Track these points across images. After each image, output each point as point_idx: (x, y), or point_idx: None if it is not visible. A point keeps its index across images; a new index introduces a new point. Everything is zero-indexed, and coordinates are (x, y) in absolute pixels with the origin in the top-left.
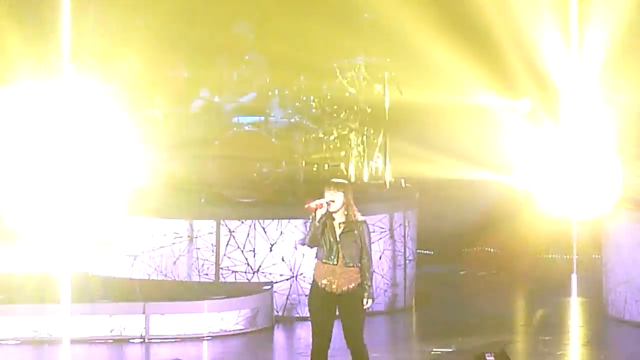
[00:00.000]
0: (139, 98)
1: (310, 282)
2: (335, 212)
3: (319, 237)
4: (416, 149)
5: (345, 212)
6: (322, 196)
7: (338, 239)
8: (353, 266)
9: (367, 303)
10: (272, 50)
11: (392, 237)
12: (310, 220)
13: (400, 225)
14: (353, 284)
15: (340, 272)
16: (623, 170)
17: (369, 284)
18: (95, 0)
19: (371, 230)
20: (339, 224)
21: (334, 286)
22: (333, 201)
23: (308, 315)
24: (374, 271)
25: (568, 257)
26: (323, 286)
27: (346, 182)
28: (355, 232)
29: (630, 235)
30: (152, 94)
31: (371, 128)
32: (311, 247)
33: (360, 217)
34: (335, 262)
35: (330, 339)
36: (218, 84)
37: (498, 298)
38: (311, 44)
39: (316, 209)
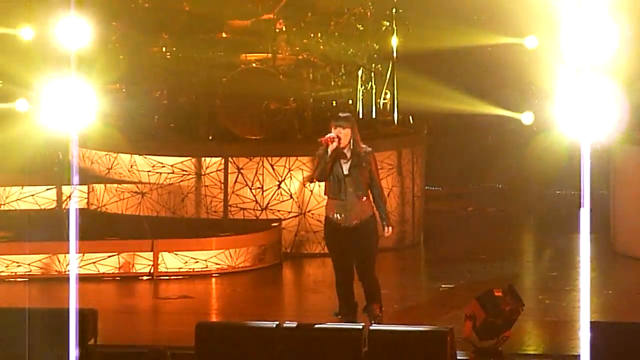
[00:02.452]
0: (146, 35)
1: (320, 219)
2: (342, 148)
3: (328, 172)
4: (425, 84)
5: (352, 147)
6: (328, 132)
7: (346, 173)
8: (363, 198)
9: (387, 230)
10: None
11: (400, 173)
12: (318, 157)
13: (409, 161)
14: (365, 216)
15: (351, 205)
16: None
17: (384, 211)
18: None
19: (379, 167)
20: (347, 158)
21: (346, 220)
22: (340, 137)
23: (316, 252)
24: (385, 201)
25: (575, 193)
26: (335, 221)
27: (351, 116)
28: (364, 164)
29: (638, 170)
30: (159, 30)
31: (379, 65)
32: (320, 182)
33: (367, 148)
34: (344, 197)
35: (353, 271)
36: (224, 21)
37: (506, 234)
38: None
39: (329, 143)
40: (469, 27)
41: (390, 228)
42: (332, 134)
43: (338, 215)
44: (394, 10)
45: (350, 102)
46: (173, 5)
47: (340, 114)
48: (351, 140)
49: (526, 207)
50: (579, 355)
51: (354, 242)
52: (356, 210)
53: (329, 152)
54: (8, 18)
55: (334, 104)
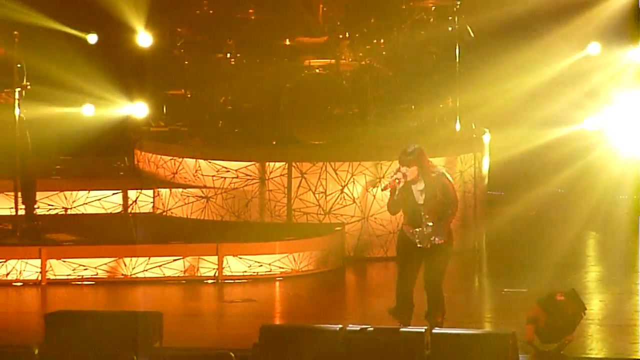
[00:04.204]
0: (211, 42)
1: (382, 224)
2: (412, 181)
3: (401, 204)
4: (487, 91)
5: (423, 176)
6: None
7: (420, 202)
8: (438, 224)
9: (435, 240)
10: None
11: (461, 178)
12: (391, 190)
13: (470, 166)
14: (438, 239)
15: (427, 231)
16: None
17: (443, 226)
18: None
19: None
20: (419, 189)
21: (421, 242)
22: (406, 176)
23: (378, 255)
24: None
25: (636, 197)
26: (411, 239)
27: (417, 150)
28: (436, 190)
29: None
30: (224, 37)
31: (441, 70)
32: (394, 214)
33: (438, 171)
34: (420, 225)
35: (414, 284)
36: (289, 27)
37: (567, 238)
38: None
39: (395, 186)
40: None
41: (439, 240)
42: (398, 175)
43: (413, 237)
44: (456, 18)
45: (413, 107)
46: (238, 13)
47: (407, 150)
48: (420, 172)
49: (588, 211)
50: None
51: (425, 259)
52: (431, 234)
53: (397, 193)
54: (77, 23)
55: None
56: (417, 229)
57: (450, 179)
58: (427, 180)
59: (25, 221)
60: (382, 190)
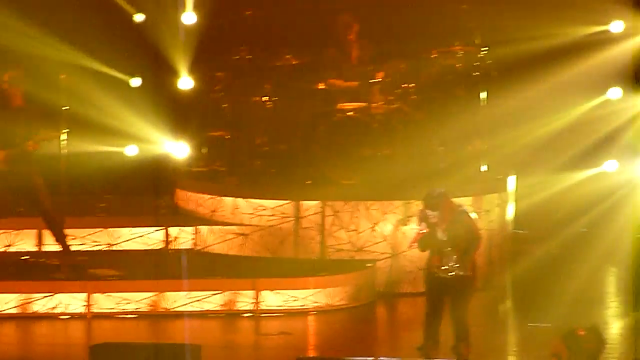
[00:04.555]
0: (249, 85)
1: (412, 260)
2: (438, 222)
3: (429, 243)
4: (510, 134)
5: (447, 217)
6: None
7: (444, 239)
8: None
9: (455, 274)
10: (375, 39)
11: (487, 217)
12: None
13: (497, 205)
14: (463, 273)
15: (452, 267)
16: None
17: (466, 259)
18: None
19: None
20: (443, 228)
21: (445, 277)
22: (427, 228)
23: (408, 291)
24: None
25: None
26: (435, 273)
27: (440, 195)
28: (460, 229)
29: None
30: (261, 81)
31: (468, 113)
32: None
33: (461, 210)
34: (444, 260)
35: (442, 319)
36: (323, 72)
37: (589, 276)
38: (410, 32)
39: (420, 236)
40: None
41: (461, 272)
42: (421, 229)
43: (438, 271)
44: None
45: (441, 148)
46: (274, 59)
47: (432, 194)
48: (444, 214)
49: (608, 249)
50: None
51: (450, 292)
52: (456, 269)
53: (424, 242)
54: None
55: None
56: (443, 265)
57: (472, 216)
58: (451, 219)
59: (64, 256)
60: (408, 247)
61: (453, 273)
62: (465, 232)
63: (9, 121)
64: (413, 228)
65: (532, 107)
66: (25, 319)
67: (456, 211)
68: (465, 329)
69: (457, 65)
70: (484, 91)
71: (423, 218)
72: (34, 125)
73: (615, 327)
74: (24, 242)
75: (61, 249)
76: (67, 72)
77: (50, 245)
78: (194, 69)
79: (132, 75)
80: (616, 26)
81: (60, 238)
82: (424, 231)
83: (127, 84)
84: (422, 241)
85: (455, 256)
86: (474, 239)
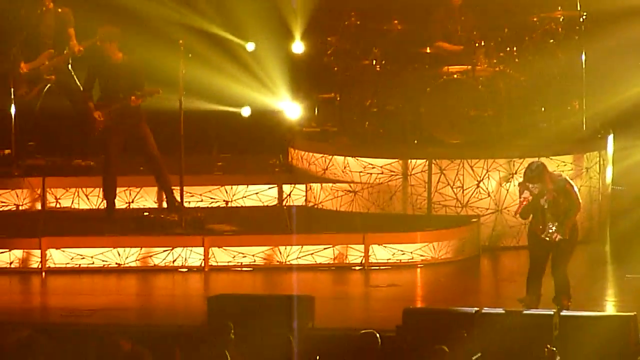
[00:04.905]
0: (358, 50)
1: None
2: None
3: (530, 210)
4: (611, 96)
5: (546, 186)
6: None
7: (545, 207)
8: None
9: (555, 237)
10: (480, 4)
11: (588, 174)
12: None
13: (596, 163)
14: (563, 236)
15: (552, 231)
16: None
17: (564, 224)
18: None
19: (569, 168)
20: (544, 198)
21: (547, 238)
22: (532, 196)
23: (511, 245)
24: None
25: None
26: (539, 234)
27: (539, 168)
28: (560, 197)
29: None
30: (370, 46)
31: (568, 75)
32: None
33: (560, 179)
34: (545, 226)
35: (544, 269)
36: (429, 37)
37: None
38: None
39: (524, 204)
40: None
41: (559, 236)
42: (525, 195)
43: (541, 234)
44: (582, 27)
45: (543, 109)
46: (383, 24)
47: (531, 167)
48: (544, 186)
49: None
50: None
51: (552, 250)
52: (556, 232)
53: (525, 209)
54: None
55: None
56: (544, 228)
57: (572, 183)
58: (552, 189)
59: (183, 212)
60: (513, 215)
61: (554, 237)
62: (565, 199)
63: (111, 76)
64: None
65: (629, 69)
66: (145, 271)
67: (555, 180)
68: (566, 283)
69: (559, 29)
70: (583, 54)
71: (525, 189)
72: (137, 79)
73: None
74: (144, 199)
75: (167, 200)
76: (185, 36)
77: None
78: (307, 35)
79: (247, 40)
80: None
81: (168, 189)
82: (526, 201)
83: (244, 48)
84: (525, 209)
85: (556, 222)
86: (573, 206)
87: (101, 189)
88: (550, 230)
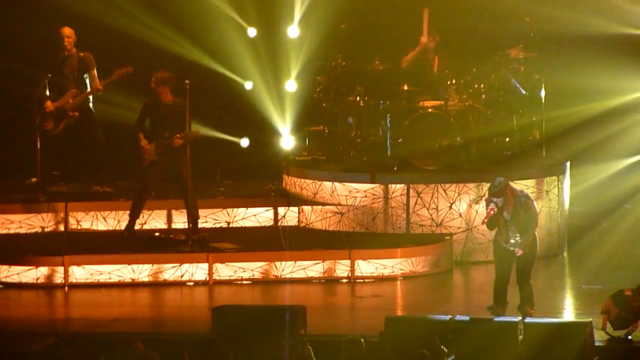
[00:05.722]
0: (344, 87)
1: (483, 233)
2: (502, 206)
3: (495, 223)
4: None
5: (509, 201)
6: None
7: (508, 219)
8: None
9: (517, 251)
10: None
11: (547, 196)
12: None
13: (555, 187)
14: (524, 248)
15: (515, 242)
16: None
17: (524, 238)
18: None
19: (531, 191)
20: (508, 211)
21: (511, 249)
22: (497, 207)
23: (480, 260)
24: (529, 233)
25: None
26: (502, 246)
27: (501, 184)
28: (521, 210)
29: None
30: (354, 83)
31: (530, 111)
32: (491, 230)
33: (519, 195)
34: (508, 237)
35: (509, 280)
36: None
37: (635, 245)
38: (480, 39)
39: (491, 215)
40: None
41: (520, 251)
42: (492, 206)
43: (505, 244)
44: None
45: (507, 139)
46: (366, 64)
47: (494, 184)
48: (507, 200)
49: None
50: None
51: (516, 261)
52: (518, 244)
53: (490, 222)
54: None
55: (494, 141)
56: (508, 240)
57: (531, 199)
58: (513, 203)
59: (190, 232)
60: (482, 224)
61: (516, 247)
62: (525, 213)
63: (160, 116)
64: (483, 209)
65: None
66: (156, 285)
67: (517, 196)
68: (529, 292)
69: (521, 68)
70: (542, 89)
71: (490, 202)
72: (182, 122)
73: None
74: (155, 220)
75: (190, 227)
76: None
77: (178, 223)
78: (299, 75)
79: (245, 78)
80: None
81: (194, 220)
82: (494, 211)
83: (242, 87)
84: (491, 220)
85: (518, 233)
86: (532, 220)
87: (126, 211)
88: (512, 241)
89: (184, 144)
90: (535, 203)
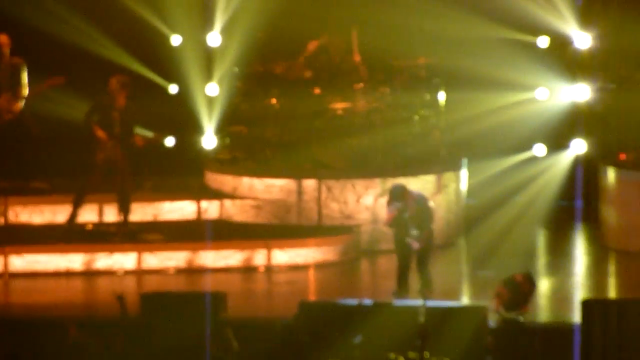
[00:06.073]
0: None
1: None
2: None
3: (395, 221)
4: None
5: (408, 202)
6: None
7: (407, 217)
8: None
9: (414, 244)
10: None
11: (446, 190)
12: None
13: (453, 181)
14: (422, 242)
15: (413, 237)
16: None
17: (422, 234)
18: None
19: (431, 185)
20: (406, 212)
21: (410, 243)
22: (397, 209)
23: (385, 249)
24: (427, 229)
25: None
26: (403, 240)
27: (400, 188)
28: (417, 210)
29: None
30: (271, 87)
31: (431, 112)
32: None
33: (418, 196)
34: (408, 233)
35: (410, 267)
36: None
37: (525, 234)
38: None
39: (393, 216)
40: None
41: (417, 244)
42: (393, 208)
43: (405, 239)
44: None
45: (411, 138)
46: (280, 69)
47: (392, 191)
48: (406, 202)
49: (540, 214)
50: (575, 324)
51: (414, 253)
52: (416, 239)
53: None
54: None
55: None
56: (407, 234)
57: (427, 199)
58: (412, 204)
59: (120, 225)
60: (384, 225)
61: (414, 240)
62: (422, 212)
63: (108, 117)
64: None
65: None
66: (89, 274)
67: (415, 198)
68: (428, 278)
69: (422, 73)
70: (443, 93)
71: (390, 205)
72: (130, 126)
73: (544, 273)
74: (88, 213)
75: (122, 220)
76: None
77: (110, 216)
78: (220, 79)
79: (170, 81)
80: (542, 40)
81: (126, 213)
82: (395, 212)
83: (166, 90)
84: (392, 221)
85: (416, 230)
86: (428, 218)
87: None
88: (413, 234)
89: (143, 145)
90: (431, 202)
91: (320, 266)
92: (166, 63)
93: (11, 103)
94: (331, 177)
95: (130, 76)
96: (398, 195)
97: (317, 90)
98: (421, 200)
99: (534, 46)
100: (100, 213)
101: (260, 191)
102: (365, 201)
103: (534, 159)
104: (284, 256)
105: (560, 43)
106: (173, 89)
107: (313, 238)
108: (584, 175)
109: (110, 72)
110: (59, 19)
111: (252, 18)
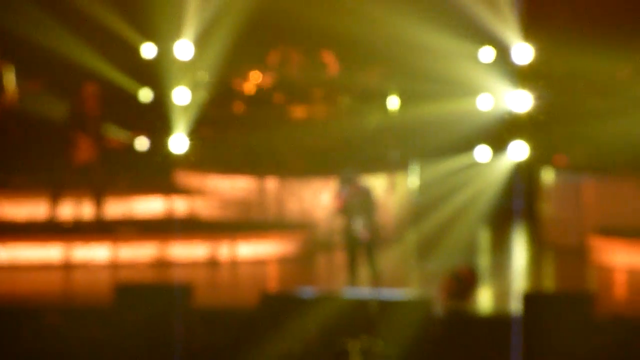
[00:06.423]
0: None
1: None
2: (349, 193)
3: (343, 210)
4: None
5: (355, 189)
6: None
7: (353, 207)
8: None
9: (364, 234)
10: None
11: (396, 189)
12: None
13: (403, 179)
14: (369, 231)
15: (360, 226)
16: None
17: (369, 223)
18: None
19: (384, 183)
20: (354, 197)
21: (357, 234)
22: (344, 197)
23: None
24: (374, 217)
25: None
26: (350, 232)
27: (349, 173)
28: (363, 198)
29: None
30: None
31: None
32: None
33: (364, 186)
34: (355, 220)
35: (359, 263)
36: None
37: (470, 232)
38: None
39: (343, 199)
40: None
41: (366, 233)
42: (342, 193)
43: (351, 231)
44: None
45: (365, 141)
46: (245, 79)
47: (344, 174)
48: (354, 187)
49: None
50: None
51: (362, 245)
52: (363, 227)
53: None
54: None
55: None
56: (354, 224)
57: (371, 189)
58: (358, 192)
59: (97, 220)
60: (334, 211)
61: (361, 232)
62: (366, 201)
63: (81, 122)
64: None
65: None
66: (67, 266)
67: (360, 187)
68: (377, 269)
69: (376, 81)
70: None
71: (339, 190)
72: (102, 130)
73: (485, 268)
74: (65, 209)
75: (96, 214)
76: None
77: (85, 211)
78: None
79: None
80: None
81: (102, 208)
82: (341, 198)
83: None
84: (343, 208)
85: (362, 221)
86: (373, 207)
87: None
88: (358, 227)
89: (117, 147)
90: (374, 193)
91: (282, 260)
92: (139, 69)
93: None
94: (291, 175)
95: (103, 81)
96: (348, 178)
97: (278, 98)
98: (366, 190)
99: (479, 56)
100: (78, 208)
101: (226, 189)
102: (322, 198)
103: (477, 160)
104: (247, 249)
105: (504, 53)
106: (145, 94)
107: (274, 233)
108: (524, 176)
109: (85, 76)
110: (33, 22)
111: (223, 28)
